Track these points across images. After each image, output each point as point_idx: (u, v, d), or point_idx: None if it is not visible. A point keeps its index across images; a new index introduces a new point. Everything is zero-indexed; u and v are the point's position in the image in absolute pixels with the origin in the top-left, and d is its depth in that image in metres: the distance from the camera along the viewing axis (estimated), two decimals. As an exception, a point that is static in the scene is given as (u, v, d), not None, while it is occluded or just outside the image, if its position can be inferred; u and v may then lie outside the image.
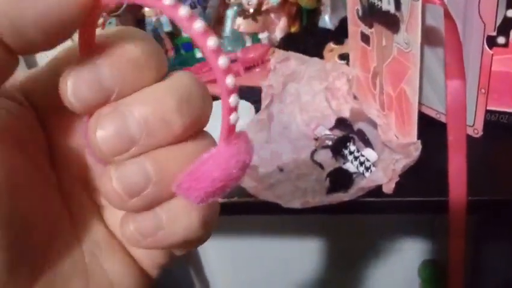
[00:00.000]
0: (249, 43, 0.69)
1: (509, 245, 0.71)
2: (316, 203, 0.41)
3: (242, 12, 0.67)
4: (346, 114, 0.50)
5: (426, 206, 0.41)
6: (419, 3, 0.36)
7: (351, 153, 0.46)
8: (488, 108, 0.44)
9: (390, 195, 0.41)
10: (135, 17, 0.71)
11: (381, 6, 0.42)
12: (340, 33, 0.60)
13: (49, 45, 0.14)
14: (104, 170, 0.16)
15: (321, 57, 0.58)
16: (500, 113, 0.45)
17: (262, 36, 0.67)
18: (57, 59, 0.18)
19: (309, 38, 0.63)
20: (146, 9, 0.69)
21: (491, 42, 0.41)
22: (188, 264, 1.15)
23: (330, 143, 0.49)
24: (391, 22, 0.41)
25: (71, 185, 0.18)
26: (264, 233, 1.05)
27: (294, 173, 0.47)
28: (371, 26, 0.45)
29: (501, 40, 0.41)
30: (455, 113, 0.39)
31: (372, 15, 0.44)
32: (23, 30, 0.13)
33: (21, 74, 0.18)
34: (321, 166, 0.47)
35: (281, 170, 0.48)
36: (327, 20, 0.66)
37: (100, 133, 0.15)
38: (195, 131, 0.16)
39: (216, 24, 0.72)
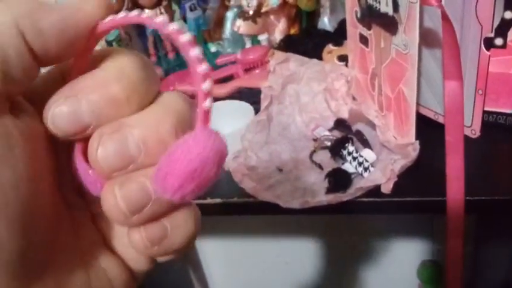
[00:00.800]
0: (248, 45, 0.69)
1: (507, 245, 0.71)
2: (315, 203, 0.41)
3: (242, 14, 0.67)
4: (345, 115, 0.50)
5: (424, 206, 0.41)
6: (417, 5, 0.37)
7: (349, 153, 0.46)
8: (485, 109, 0.44)
9: (388, 195, 0.41)
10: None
11: (379, 8, 0.42)
12: (339, 35, 0.61)
13: (62, 55, 0.16)
14: (105, 189, 0.16)
15: (320, 58, 0.59)
16: (497, 113, 0.45)
17: (262, 38, 0.68)
18: (53, 70, 0.18)
19: (308, 40, 0.64)
20: (146, 11, 0.69)
21: (489, 43, 0.41)
22: (186, 264, 1.15)
23: (329, 143, 0.49)
24: (389, 24, 0.41)
25: (70, 188, 0.19)
26: (263, 233, 1.05)
27: (293, 174, 0.47)
28: (369, 28, 0.46)
29: (498, 41, 0.42)
30: (453, 114, 0.39)
31: (370, 17, 0.45)
32: (42, 32, 0.15)
33: None
34: (320, 167, 0.48)
35: (280, 170, 0.48)
36: (326, 22, 0.67)
37: (100, 152, 0.16)
38: None
39: (215, 26, 0.72)
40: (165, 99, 0.17)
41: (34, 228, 0.16)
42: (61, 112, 0.16)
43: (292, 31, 0.70)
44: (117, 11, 0.17)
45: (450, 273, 0.45)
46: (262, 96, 0.53)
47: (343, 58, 0.57)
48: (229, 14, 0.69)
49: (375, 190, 0.42)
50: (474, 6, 0.40)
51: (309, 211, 0.42)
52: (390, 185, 0.40)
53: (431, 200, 0.41)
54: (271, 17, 0.68)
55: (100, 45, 0.19)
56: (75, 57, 0.17)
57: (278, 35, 0.69)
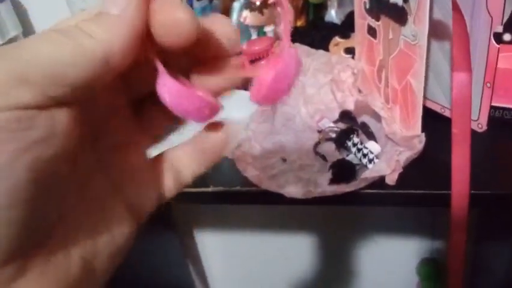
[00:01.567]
0: (254, 36, 0.69)
1: (508, 243, 0.71)
2: (318, 193, 0.41)
3: (248, 5, 0.67)
4: (350, 106, 0.50)
5: (428, 198, 0.41)
6: (427, -5, 0.36)
7: (354, 145, 0.46)
8: (492, 104, 0.44)
9: (392, 187, 0.41)
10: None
11: (388, -1, 0.42)
12: (346, 28, 0.61)
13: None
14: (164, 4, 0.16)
15: (327, 51, 0.58)
16: (504, 109, 0.45)
17: (268, 29, 0.67)
18: None
19: (315, 32, 0.63)
20: None
21: (498, 39, 0.41)
22: (186, 258, 1.15)
23: (333, 135, 0.49)
24: (399, 14, 0.41)
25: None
26: (263, 227, 1.05)
27: (297, 164, 0.47)
28: (378, 19, 0.45)
29: (507, 37, 0.41)
30: (460, 106, 0.39)
31: (379, 7, 0.44)
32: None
33: None
34: (324, 158, 0.47)
35: (284, 160, 0.48)
36: (333, 15, 0.66)
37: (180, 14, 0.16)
38: None
39: (222, 17, 0.72)
40: None
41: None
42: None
43: (299, 23, 0.69)
44: None
45: (452, 269, 0.45)
46: (267, 86, 0.53)
47: (350, 51, 0.57)
48: (236, 4, 0.69)
49: (379, 182, 0.42)
50: (485, -2, 0.39)
51: (312, 201, 0.42)
52: (395, 176, 0.40)
53: (435, 193, 0.41)
54: (278, 8, 0.68)
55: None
56: None
57: (285, 27, 0.68)
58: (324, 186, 0.42)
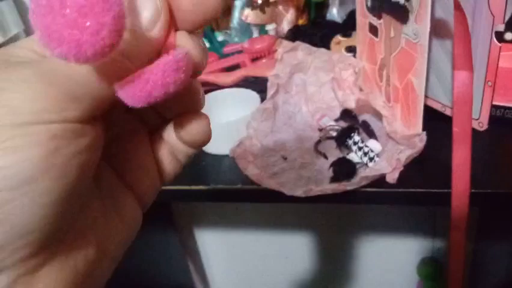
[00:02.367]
0: (256, 34, 0.69)
1: (508, 243, 0.71)
2: (319, 191, 0.41)
3: (250, 3, 0.67)
4: (352, 105, 0.50)
5: (428, 197, 0.41)
6: (429, -6, 0.36)
7: (355, 143, 0.46)
8: (493, 103, 0.44)
9: (392, 186, 0.41)
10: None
11: (390, -3, 0.42)
12: (348, 27, 0.61)
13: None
14: None
15: (328, 49, 0.58)
16: (505, 108, 0.45)
17: (270, 28, 0.68)
18: None
19: (316, 31, 0.63)
20: None
21: (499, 38, 0.41)
22: (186, 255, 1.15)
23: (334, 133, 0.49)
24: (400, 13, 0.41)
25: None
26: (263, 224, 1.05)
27: (298, 162, 0.47)
28: (379, 17, 0.45)
29: (508, 36, 0.41)
30: (461, 104, 0.39)
31: (381, 6, 0.44)
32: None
33: None
34: (324, 156, 0.47)
35: (285, 158, 0.48)
36: (335, 13, 0.66)
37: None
38: None
39: (223, 15, 0.72)
40: None
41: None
42: None
43: (301, 22, 0.69)
44: None
45: (452, 267, 0.45)
46: (268, 84, 0.53)
47: (351, 49, 0.57)
48: (238, 3, 0.69)
49: (380, 180, 0.42)
50: (486, -3, 0.39)
51: (312, 200, 0.42)
52: (396, 175, 0.40)
53: (435, 191, 0.41)
54: (280, 7, 0.68)
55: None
56: None
57: (286, 25, 0.68)
58: (325, 184, 0.42)
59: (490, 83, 0.42)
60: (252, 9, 0.67)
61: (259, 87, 0.55)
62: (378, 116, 0.47)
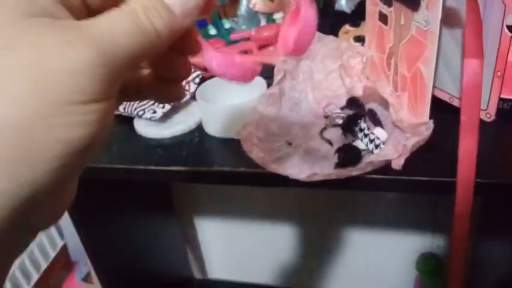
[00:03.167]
0: (263, 23, 0.69)
1: (508, 241, 0.71)
2: (323, 176, 0.41)
3: (259, -9, 0.67)
4: (359, 92, 0.50)
5: (433, 185, 0.41)
6: (442, -20, 0.36)
7: (361, 130, 0.45)
8: (501, 96, 0.44)
9: (397, 173, 0.41)
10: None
11: (402, -16, 0.42)
12: (356, 17, 0.60)
13: None
14: None
15: (336, 38, 0.58)
16: (513, 100, 0.45)
17: (277, 16, 0.67)
18: None
19: (324, 20, 0.63)
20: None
21: (510, 28, 0.41)
22: (185, 244, 1.15)
23: (340, 121, 0.49)
24: (412, 0, 0.41)
25: None
26: (263, 212, 1.05)
27: (303, 148, 0.47)
28: (390, 5, 0.45)
29: (520, 27, 0.41)
30: (470, 93, 0.38)
31: (392, -7, 0.44)
32: None
33: None
34: (330, 143, 0.47)
35: (290, 143, 0.48)
36: (343, 4, 0.66)
37: None
38: None
39: (231, 3, 0.72)
40: None
41: None
42: None
43: (309, 11, 0.69)
44: None
45: (453, 258, 0.45)
46: (275, 70, 0.52)
47: (359, 39, 0.57)
48: (246, -10, 0.68)
49: (385, 167, 0.41)
50: (499, -13, 0.39)
51: (316, 185, 0.42)
52: (402, 161, 0.40)
53: (440, 180, 0.41)
54: (289, -5, 0.68)
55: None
56: None
57: (294, 15, 0.68)
58: (330, 169, 0.42)
59: (499, 74, 0.42)
60: (260, -3, 0.66)
61: (265, 73, 0.55)
62: (385, 105, 0.47)
